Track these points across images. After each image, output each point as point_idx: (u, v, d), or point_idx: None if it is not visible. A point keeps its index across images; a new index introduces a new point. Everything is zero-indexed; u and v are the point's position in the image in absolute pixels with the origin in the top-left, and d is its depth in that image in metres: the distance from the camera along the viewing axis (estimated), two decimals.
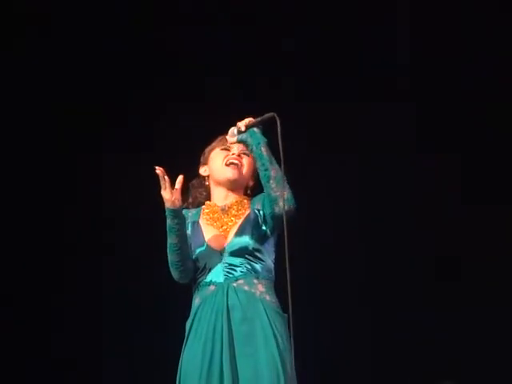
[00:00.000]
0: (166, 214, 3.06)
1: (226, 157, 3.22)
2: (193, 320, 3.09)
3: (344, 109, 5.25)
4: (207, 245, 3.12)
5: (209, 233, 3.16)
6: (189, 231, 3.19)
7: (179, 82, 5.35)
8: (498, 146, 5.36)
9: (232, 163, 3.20)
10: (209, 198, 3.28)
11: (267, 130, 3.12)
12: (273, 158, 3.04)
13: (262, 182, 3.06)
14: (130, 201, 5.22)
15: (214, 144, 3.28)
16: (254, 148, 3.06)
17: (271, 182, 3.03)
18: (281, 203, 3.00)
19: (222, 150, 3.24)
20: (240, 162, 3.21)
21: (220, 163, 3.22)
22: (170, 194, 3.02)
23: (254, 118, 3.12)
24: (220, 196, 3.23)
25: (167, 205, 3.04)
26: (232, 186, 3.21)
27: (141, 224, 5.09)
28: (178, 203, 3.04)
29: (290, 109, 4.35)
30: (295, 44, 5.37)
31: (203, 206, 3.25)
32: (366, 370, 5.46)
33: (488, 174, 5.38)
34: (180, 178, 3.06)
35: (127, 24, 5.33)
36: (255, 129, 3.08)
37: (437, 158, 5.35)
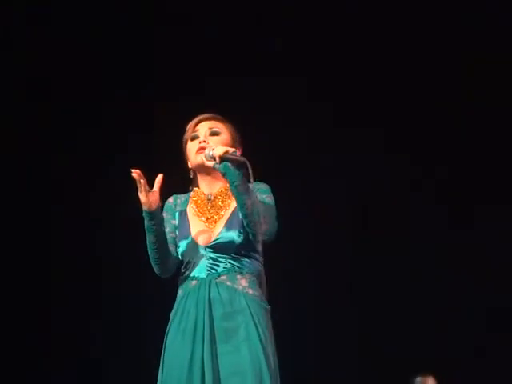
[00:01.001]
0: (143, 214, 3.03)
1: (196, 145, 3.15)
2: (175, 313, 3.07)
3: None
4: (192, 239, 3.08)
5: (195, 226, 3.12)
6: (176, 221, 3.16)
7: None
8: None
9: (200, 149, 3.11)
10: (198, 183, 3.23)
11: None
12: (249, 193, 2.96)
13: (243, 219, 3.01)
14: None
15: (185, 136, 3.21)
16: (231, 186, 2.98)
17: (248, 218, 2.97)
18: (263, 237, 3.02)
19: (192, 140, 3.17)
20: (204, 146, 3.10)
21: (193, 153, 3.14)
22: (146, 197, 2.98)
23: (228, 145, 3.08)
24: (205, 184, 3.17)
25: (144, 207, 3.00)
26: (209, 170, 3.12)
27: None
28: (154, 205, 3.00)
29: None
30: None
31: (191, 193, 3.21)
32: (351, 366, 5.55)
33: None
34: (159, 178, 3.03)
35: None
36: (230, 166, 2.95)
37: None
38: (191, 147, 3.16)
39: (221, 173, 2.98)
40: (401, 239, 5.61)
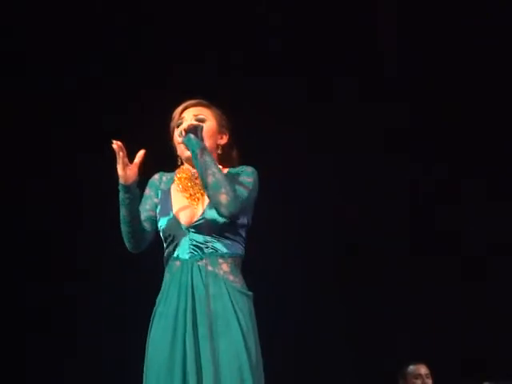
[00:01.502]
0: (119, 187, 2.98)
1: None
2: (160, 298, 3.04)
3: None
4: (174, 216, 3.04)
5: (177, 202, 3.07)
6: (157, 199, 3.12)
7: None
8: None
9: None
10: None
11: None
12: (210, 164, 2.93)
13: (204, 189, 2.99)
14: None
15: (171, 124, 3.17)
16: (192, 156, 2.98)
17: (208, 189, 2.94)
18: (222, 209, 2.92)
19: (178, 127, 3.12)
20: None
21: (178, 142, 3.12)
22: (123, 170, 2.94)
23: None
24: (190, 171, 3.12)
25: (120, 180, 2.97)
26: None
27: None
28: (130, 180, 2.95)
29: None
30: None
31: (176, 170, 3.17)
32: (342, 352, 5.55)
33: None
34: (140, 153, 2.99)
35: None
36: (191, 135, 2.97)
37: None
38: (176, 134, 3.13)
39: (185, 146, 2.99)
40: None
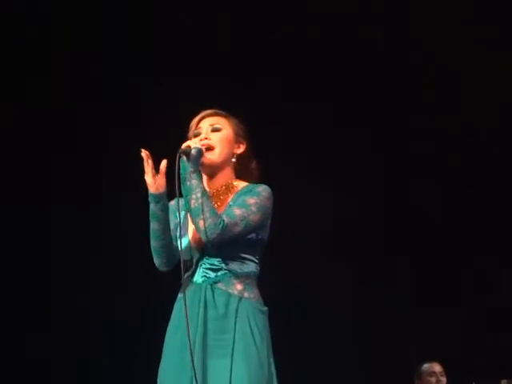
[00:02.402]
0: (149, 199, 2.99)
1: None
2: (172, 314, 3.04)
3: None
4: (189, 241, 3.03)
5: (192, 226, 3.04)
6: (176, 220, 3.09)
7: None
8: None
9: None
10: None
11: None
12: (195, 188, 2.91)
13: None
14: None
15: (189, 134, 3.16)
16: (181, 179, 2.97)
17: (190, 214, 2.93)
18: (201, 235, 2.90)
19: (195, 137, 3.10)
20: (207, 144, 3.06)
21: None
22: (152, 179, 2.96)
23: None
24: (207, 180, 3.10)
25: (150, 190, 2.97)
26: (208, 170, 3.07)
27: None
28: (161, 188, 2.97)
29: None
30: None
31: None
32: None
33: None
34: (164, 163, 2.99)
35: None
36: (184, 157, 2.94)
37: None
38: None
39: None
40: None
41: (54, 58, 5.47)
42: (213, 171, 3.08)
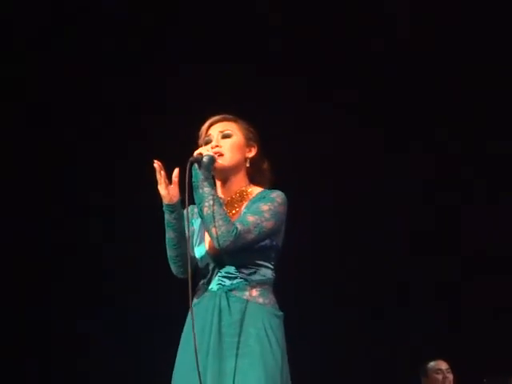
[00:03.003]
0: (164, 209, 2.99)
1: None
2: (186, 321, 3.04)
3: None
4: (205, 250, 3.04)
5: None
6: (196, 226, 3.12)
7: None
8: None
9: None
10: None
11: None
12: (208, 196, 2.91)
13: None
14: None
15: (199, 142, 3.15)
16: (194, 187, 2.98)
17: (203, 222, 2.95)
18: (214, 242, 2.91)
19: (206, 145, 3.09)
20: (218, 151, 3.05)
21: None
22: (166, 190, 2.96)
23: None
24: (221, 188, 3.10)
25: (164, 201, 2.97)
26: (220, 176, 3.08)
27: None
28: (175, 198, 2.97)
29: None
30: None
31: None
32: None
33: None
34: (176, 172, 2.98)
35: None
36: (196, 166, 2.95)
37: None
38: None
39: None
40: None
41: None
42: (226, 177, 3.08)
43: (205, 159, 2.95)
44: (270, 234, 2.98)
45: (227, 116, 3.16)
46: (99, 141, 5.50)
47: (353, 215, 5.69)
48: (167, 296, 4.91)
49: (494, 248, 5.66)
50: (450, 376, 5.43)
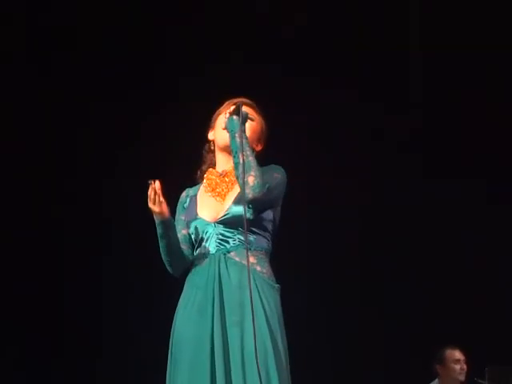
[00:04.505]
0: (156, 224, 3.06)
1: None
2: (185, 289, 3.09)
3: None
4: (201, 217, 3.10)
5: (204, 204, 3.13)
6: (186, 204, 3.19)
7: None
8: None
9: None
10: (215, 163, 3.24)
11: None
12: (245, 146, 2.99)
13: (234, 169, 3.04)
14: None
15: (221, 109, 3.22)
16: (229, 135, 3.03)
17: (239, 168, 2.99)
18: (247, 190, 2.96)
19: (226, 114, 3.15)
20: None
21: (221, 127, 3.14)
22: (159, 208, 3.00)
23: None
24: (222, 161, 3.18)
25: (157, 218, 3.03)
26: (229, 148, 3.12)
27: None
28: (167, 214, 3.04)
29: None
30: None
31: (206, 173, 3.22)
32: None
33: None
34: (158, 186, 3.00)
35: None
36: (234, 117, 3.03)
37: None
38: (223, 120, 3.14)
39: (227, 127, 3.04)
40: None
41: None
42: (230, 152, 3.11)
43: (244, 112, 3.05)
44: (280, 197, 3.10)
45: (255, 106, 3.24)
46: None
47: None
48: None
49: None
50: (465, 367, 5.39)
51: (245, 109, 3.09)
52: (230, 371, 2.88)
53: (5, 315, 5.52)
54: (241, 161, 2.97)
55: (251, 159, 2.98)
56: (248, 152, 2.99)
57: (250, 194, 2.96)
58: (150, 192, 2.97)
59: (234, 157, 3.00)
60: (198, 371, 2.90)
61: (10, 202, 5.53)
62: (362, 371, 5.66)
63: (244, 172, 2.95)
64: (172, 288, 3.17)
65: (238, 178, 3.01)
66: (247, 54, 5.45)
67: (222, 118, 3.14)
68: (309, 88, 5.46)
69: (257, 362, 2.83)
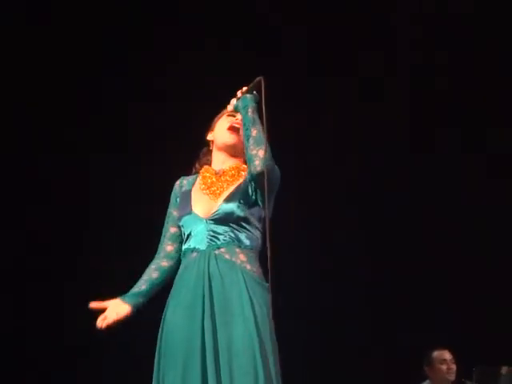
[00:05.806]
0: None
1: (229, 122, 3.22)
2: (175, 287, 3.10)
3: None
4: (193, 213, 3.11)
5: (198, 199, 3.15)
6: (179, 199, 3.21)
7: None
8: None
9: (233, 127, 3.20)
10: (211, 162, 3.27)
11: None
12: (258, 121, 3.06)
13: (244, 141, 3.07)
14: None
15: (223, 111, 3.27)
16: (242, 111, 3.10)
17: (250, 140, 3.03)
18: (256, 162, 2.99)
19: (229, 115, 3.23)
20: (238, 124, 3.18)
21: (223, 128, 3.21)
22: (117, 316, 3.06)
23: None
24: (218, 160, 3.22)
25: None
26: (231, 150, 3.21)
27: None
28: (128, 311, 3.09)
29: None
30: None
31: (201, 170, 3.25)
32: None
33: None
34: (94, 306, 3.07)
35: None
36: (248, 95, 3.11)
37: None
38: (224, 121, 3.23)
39: (238, 108, 3.11)
40: None
41: None
42: (232, 152, 3.20)
43: (256, 95, 3.12)
44: (277, 185, 3.10)
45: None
46: None
47: None
48: None
49: None
50: (454, 367, 5.41)
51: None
52: (219, 370, 2.87)
53: None
54: (253, 134, 3.02)
55: (262, 134, 3.02)
56: (260, 127, 3.03)
57: (259, 166, 3.00)
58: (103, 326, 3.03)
59: (247, 129, 3.05)
60: (191, 371, 2.90)
61: None
62: (361, 371, 5.66)
63: (255, 144, 3.00)
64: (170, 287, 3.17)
65: (247, 149, 3.04)
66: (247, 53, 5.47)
67: (223, 119, 3.21)
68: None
69: (244, 361, 2.84)
